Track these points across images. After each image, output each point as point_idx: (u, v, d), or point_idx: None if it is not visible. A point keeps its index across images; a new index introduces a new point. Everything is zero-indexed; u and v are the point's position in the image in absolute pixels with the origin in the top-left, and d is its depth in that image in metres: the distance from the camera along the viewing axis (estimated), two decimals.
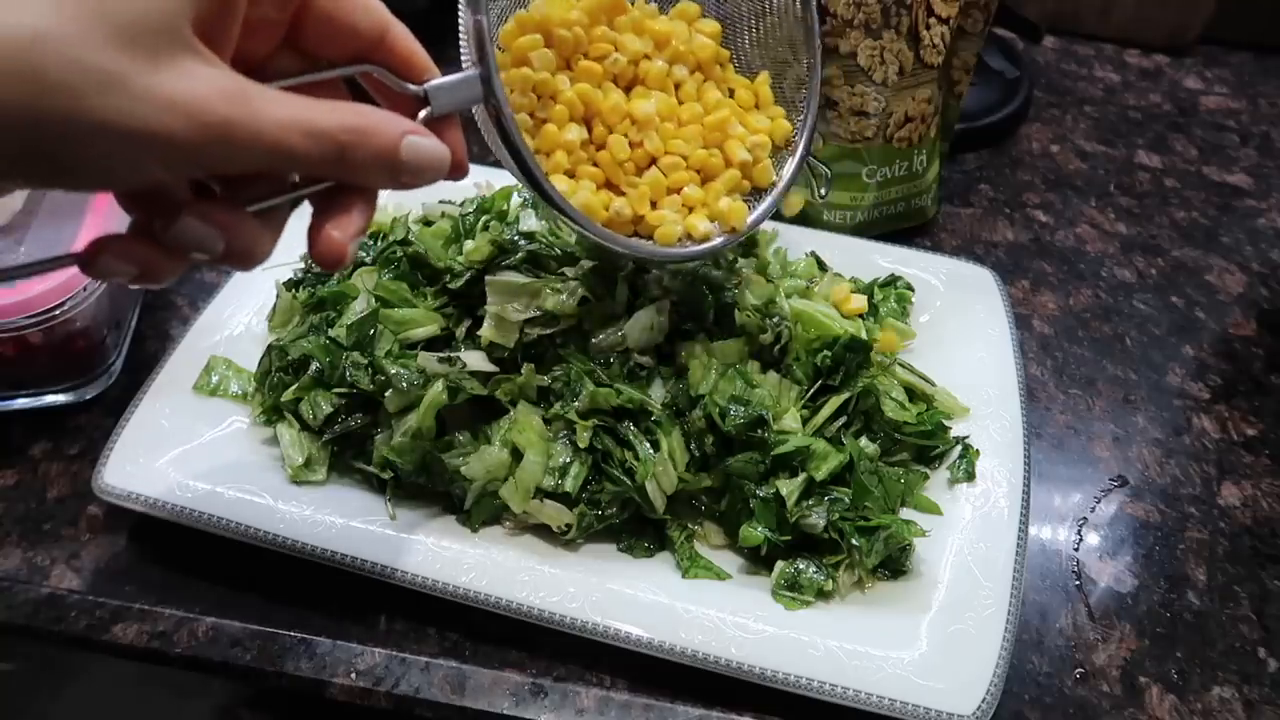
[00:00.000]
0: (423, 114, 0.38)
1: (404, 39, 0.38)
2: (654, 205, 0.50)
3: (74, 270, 0.53)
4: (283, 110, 0.31)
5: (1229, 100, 0.98)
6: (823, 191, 0.55)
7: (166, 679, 0.74)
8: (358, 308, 0.55)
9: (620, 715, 0.46)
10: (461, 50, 0.41)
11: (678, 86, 0.51)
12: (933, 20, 0.67)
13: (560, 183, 0.47)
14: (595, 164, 0.49)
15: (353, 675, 0.47)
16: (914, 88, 0.69)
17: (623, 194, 0.49)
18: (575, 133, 0.48)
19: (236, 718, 0.78)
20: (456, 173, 0.39)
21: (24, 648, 0.75)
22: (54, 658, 0.77)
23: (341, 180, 0.36)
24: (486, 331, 0.53)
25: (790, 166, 0.52)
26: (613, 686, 0.47)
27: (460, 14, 0.40)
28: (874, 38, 0.66)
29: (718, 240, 0.50)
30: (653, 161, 0.50)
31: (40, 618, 0.49)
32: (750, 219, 0.51)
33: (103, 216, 0.56)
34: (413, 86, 0.38)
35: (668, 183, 0.49)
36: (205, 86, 0.30)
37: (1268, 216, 0.83)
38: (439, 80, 0.39)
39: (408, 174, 0.35)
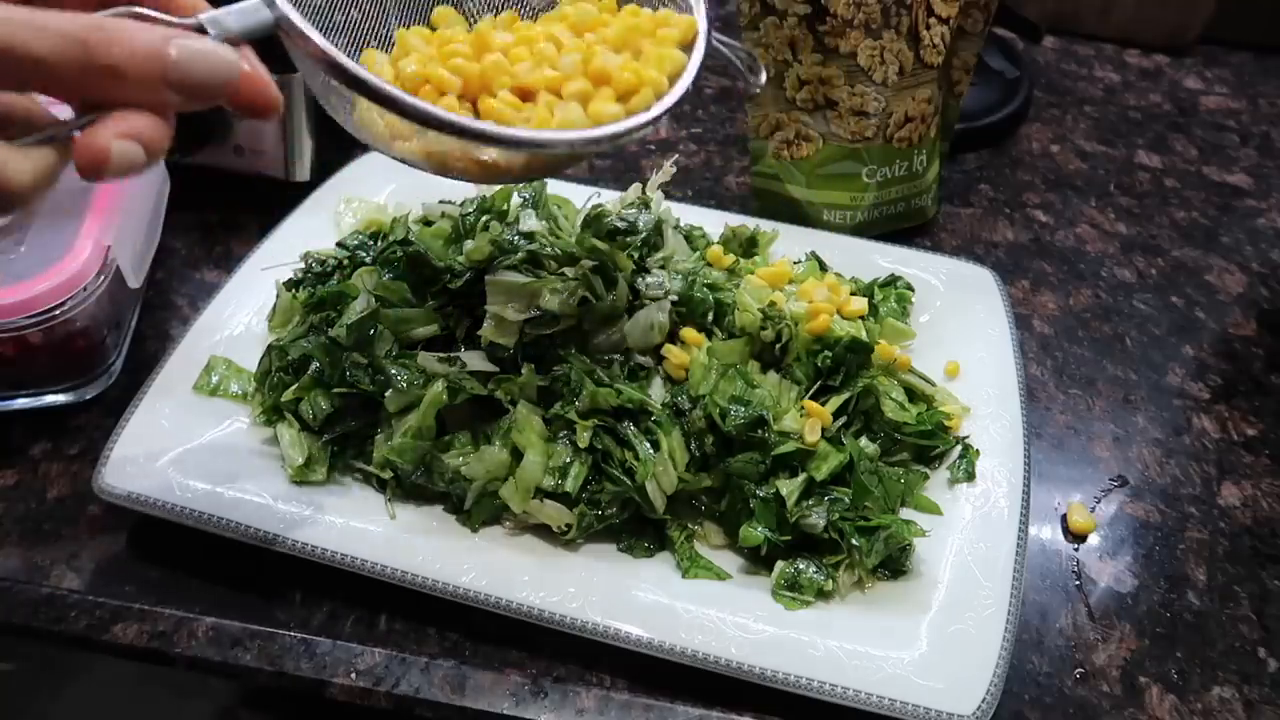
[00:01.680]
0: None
1: None
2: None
3: (74, 270, 0.53)
4: (18, 13, 0.29)
5: (1229, 100, 0.98)
6: (760, 80, 0.49)
7: (166, 679, 0.74)
8: (358, 308, 0.55)
9: (620, 715, 0.46)
10: None
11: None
12: (933, 20, 0.67)
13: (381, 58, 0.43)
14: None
15: (353, 675, 0.47)
16: (914, 88, 0.69)
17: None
18: (453, 101, 0.43)
19: (236, 718, 0.78)
20: (261, 101, 0.35)
21: (24, 648, 0.75)
22: (54, 658, 0.77)
23: (105, 97, 0.32)
24: (486, 331, 0.53)
25: (699, 46, 0.47)
26: (613, 686, 0.47)
27: None
28: (874, 38, 0.66)
29: (634, 120, 0.44)
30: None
31: (40, 618, 0.49)
32: (669, 97, 0.45)
33: (103, 216, 0.56)
34: (181, 20, 0.35)
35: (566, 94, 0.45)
36: None
37: (1268, 216, 0.83)
38: (214, 11, 0.35)
39: (186, 81, 0.32)
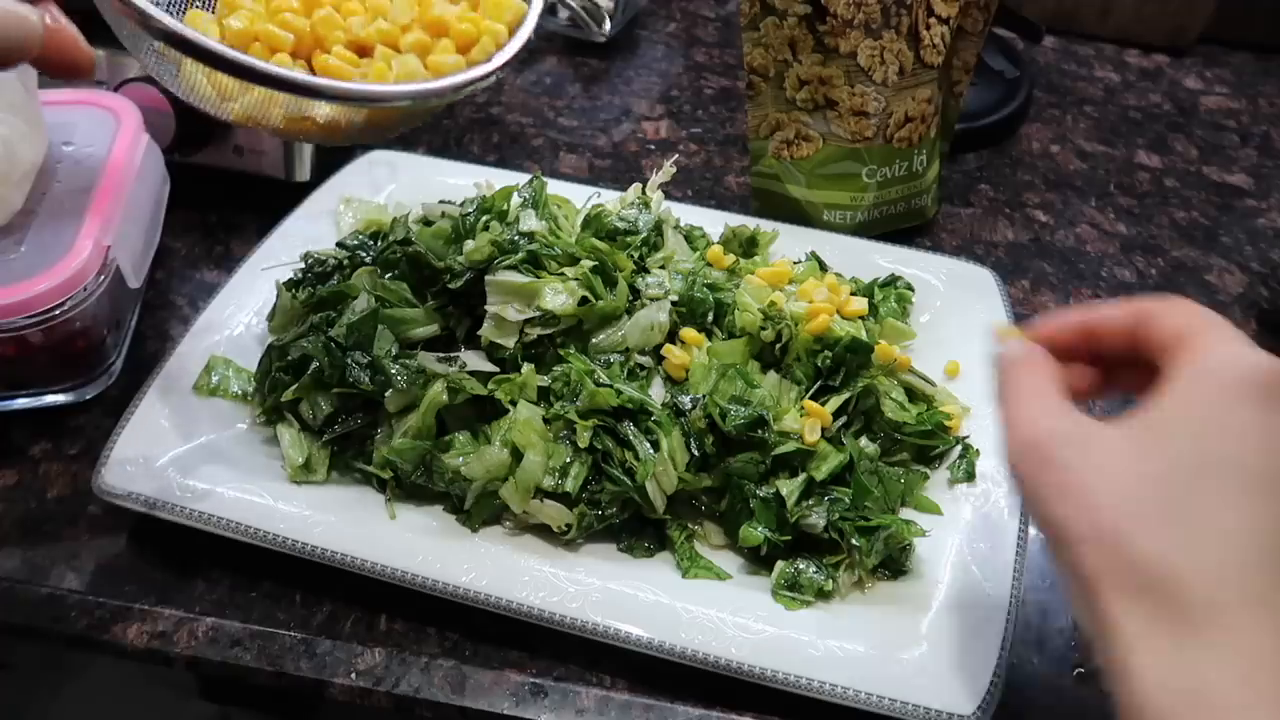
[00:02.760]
0: None
1: None
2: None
3: (74, 270, 0.53)
4: None
5: (1229, 100, 0.98)
6: (604, 28, 0.49)
7: (166, 679, 0.74)
8: (358, 308, 0.55)
9: (620, 715, 0.46)
10: None
11: None
12: (933, 20, 0.67)
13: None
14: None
15: (353, 675, 0.47)
16: (914, 88, 0.69)
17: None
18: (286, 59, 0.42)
19: (237, 718, 0.78)
20: (72, 61, 0.34)
21: (24, 648, 0.75)
22: (54, 658, 0.77)
23: None
24: (486, 331, 0.53)
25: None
26: (613, 686, 0.47)
27: None
28: (874, 38, 0.66)
29: (476, 70, 0.44)
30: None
31: (40, 618, 0.49)
32: (509, 43, 0.45)
33: (103, 216, 0.56)
34: None
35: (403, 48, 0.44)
36: None
37: (1268, 216, 0.83)
38: None
39: None
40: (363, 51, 0.44)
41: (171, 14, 0.39)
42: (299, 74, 0.40)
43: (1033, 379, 0.36)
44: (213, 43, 0.38)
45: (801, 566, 0.49)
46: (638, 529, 0.52)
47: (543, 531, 0.51)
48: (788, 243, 0.67)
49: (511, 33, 0.45)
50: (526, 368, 0.52)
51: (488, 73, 0.43)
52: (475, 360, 0.53)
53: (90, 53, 0.35)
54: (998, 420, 0.37)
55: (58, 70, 0.34)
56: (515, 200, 0.62)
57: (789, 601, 0.48)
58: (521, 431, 0.50)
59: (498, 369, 0.53)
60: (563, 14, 0.48)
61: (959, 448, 0.55)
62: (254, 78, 0.38)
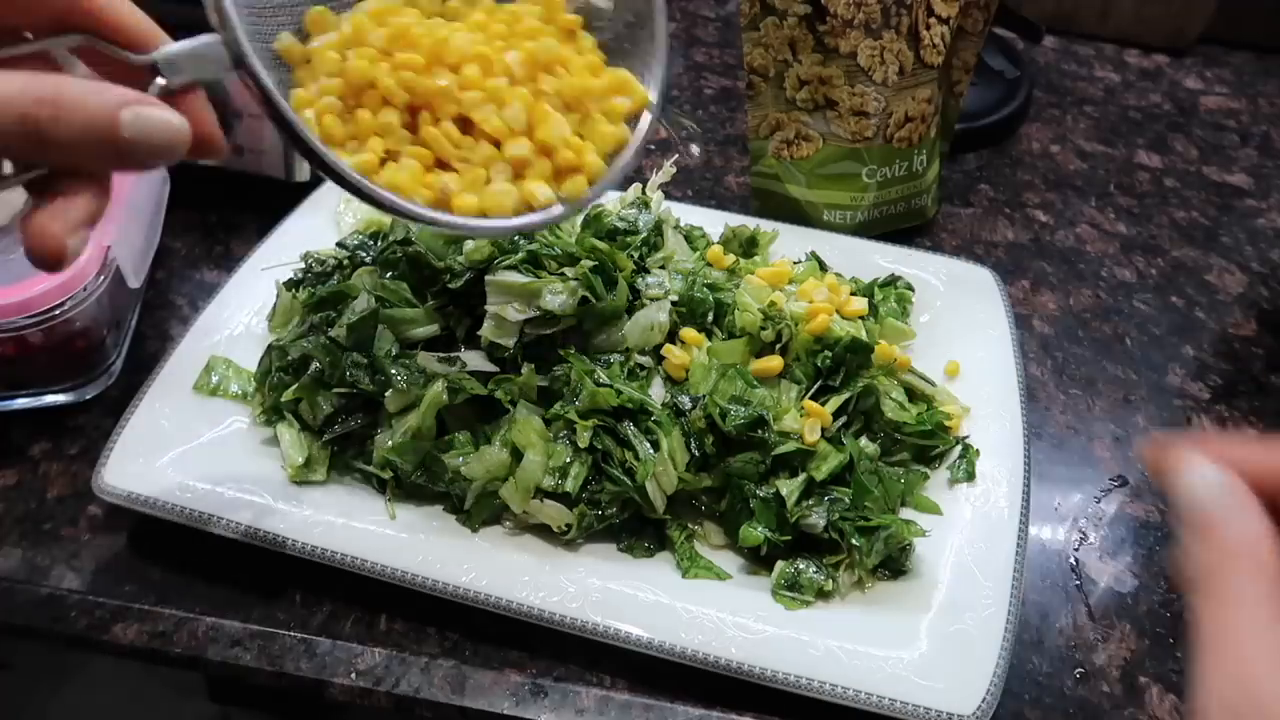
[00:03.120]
0: (155, 85, 0.34)
1: (115, 3, 0.33)
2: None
3: (74, 270, 0.53)
4: None
5: (1229, 100, 0.98)
6: (695, 150, 0.50)
7: (166, 679, 0.74)
8: (358, 308, 0.55)
9: (620, 715, 0.46)
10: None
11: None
12: (933, 20, 0.67)
13: (370, 164, 0.41)
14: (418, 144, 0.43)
15: (353, 675, 0.47)
16: (914, 88, 0.69)
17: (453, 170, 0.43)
18: (393, 116, 0.42)
19: (237, 718, 0.78)
20: (208, 150, 0.35)
21: (24, 648, 0.75)
22: (54, 658, 0.77)
23: (54, 164, 0.32)
24: (486, 331, 0.53)
25: (643, 126, 0.46)
26: (613, 686, 0.47)
27: None
28: (874, 38, 0.66)
29: (559, 209, 0.44)
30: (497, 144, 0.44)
31: (40, 618, 0.49)
32: (601, 183, 0.45)
33: (103, 219, 0.56)
34: (137, 56, 0.34)
35: (504, 156, 0.43)
36: None
37: (1268, 216, 0.83)
38: (171, 48, 0.34)
39: (136, 153, 0.31)
40: (468, 123, 0.43)
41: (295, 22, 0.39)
42: (402, 201, 0.41)
43: (1256, 589, 0.26)
44: (340, 163, 0.39)
45: (801, 566, 0.49)
46: (638, 529, 0.52)
47: (543, 531, 0.51)
48: (788, 243, 0.67)
49: (607, 161, 0.45)
50: (526, 368, 0.52)
51: (565, 215, 0.44)
52: (475, 360, 0.53)
53: (224, 146, 0.36)
54: (1196, 641, 0.27)
55: (191, 157, 0.35)
56: None
57: (789, 601, 0.48)
58: (521, 431, 0.50)
59: (498, 369, 0.53)
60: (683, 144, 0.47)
61: (959, 448, 0.55)
62: (365, 197, 0.40)
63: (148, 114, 0.31)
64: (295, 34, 0.41)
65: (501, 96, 0.44)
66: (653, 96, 0.46)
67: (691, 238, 0.65)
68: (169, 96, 0.34)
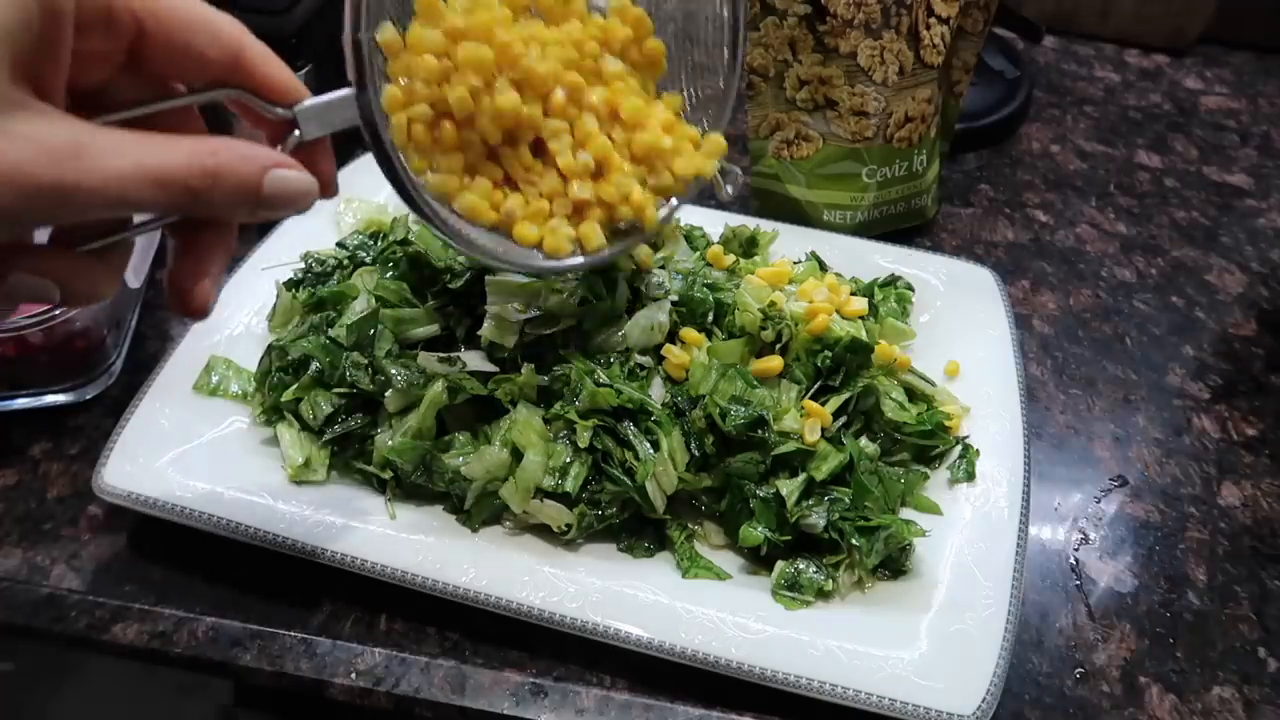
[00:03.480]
0: (292, 139, 0.37)
1: (263, 61, 0.36)
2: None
3: None
4: (123, 161, 0.30)
5: (1229, 100, 0.98)
6: (729, 190, 0.52)
7: (166, 679, 0.74)
8: (358, 308, 0.55)
9: (620, 715, 0.46)
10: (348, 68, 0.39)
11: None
12: (933, 20, 0.67)
13: (448, 180, 0.44)
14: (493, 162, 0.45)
15: (353, 675, 0.47)
16: (914, 88, 0.69)
17: (518, 190, 0.46)
18: (476, 136, 0.44)
19: (236, 718, 0.78)
20: (326, 194, 0.38)
21: (24, 648, 0.75)
22: (54, 658, 0.77)
23: (197, 217, 0.35)
24: (486, 331, 0.53)
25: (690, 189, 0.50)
26: (613, 686, 0.47)
27: (344, 29, 0.38)
28: (874, 38, 0.66)
29: (613, 248, 0.48)
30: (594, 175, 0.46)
31: (40, 618, 0.49)
32: (649, 232, 0.49)
33: None
34: (280, 110, 0.37)
35: (569, 192, 0.46)
36: (28, 149, 0.28)
37: (1268, 216, 0.83)
38: (309, 102, 0.37)
39: (271, 209, 0.34)
40: (540, 144, 0.46)
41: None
42: (520, 254, 0.45)
43: None
44: (444, 220, 0.43)
45: (801, 566, 0.49)
46: (638, 529, 0.52)
47: (543, 531, 0.51)
48: (788, 243, 0.67)
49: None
50: (526, 368, 0.52)
51: (622, 253, 0.48)
52: (475, 360, 0.53)
53: (336, 183, 0.40)
54: None
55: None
56: None
57: (789, 601, 0.48)
58: (521, 431, 0.50)
59: (498, 369, 0.53)
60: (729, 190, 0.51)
61: (959, 448, 0.55)
62: (485, 254, 0.45)
63: (285, 176, 0.34)
64: (395, 21, 0.42)
65: (585, 136, 0.46)
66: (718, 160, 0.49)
67: (691, 238, 0.65)
68: (301, 146, 0.37)
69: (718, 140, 0.49)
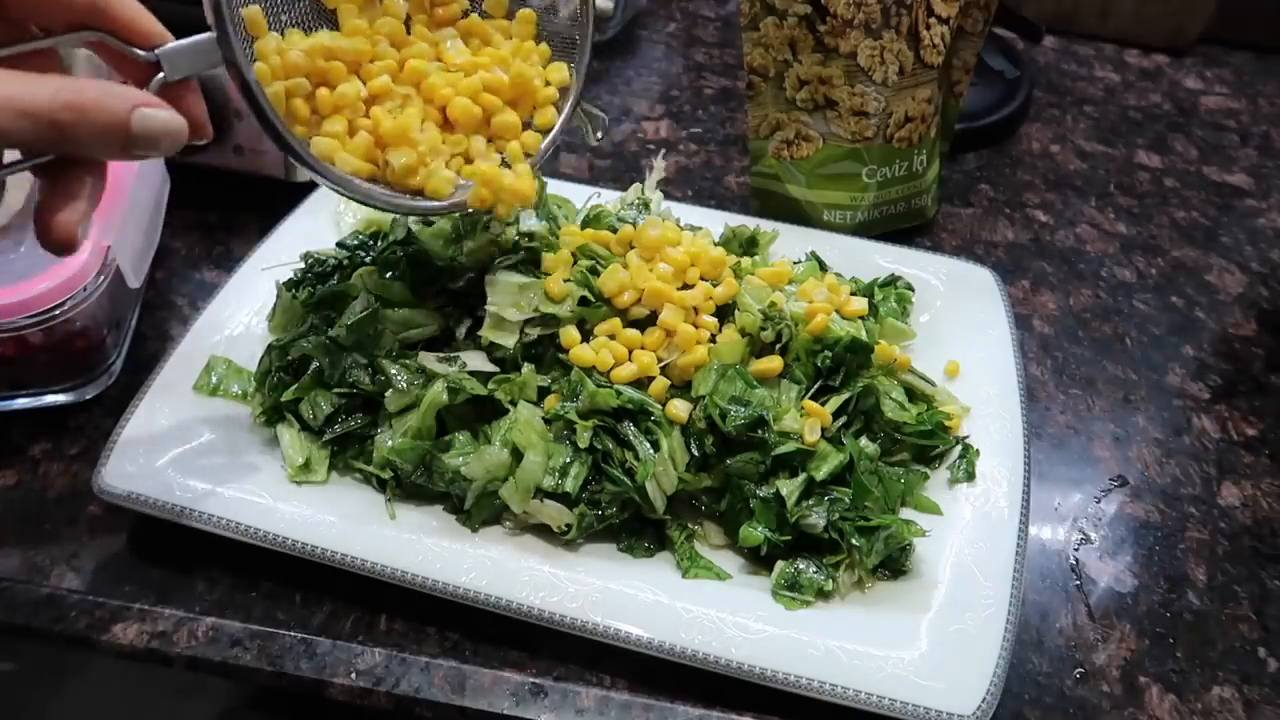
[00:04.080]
0: (157, 80, 0.38)
1: (123, 4, 0.38)
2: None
3: (74, 270, 0.53)
4: None
5: (1229, 100, 0.98)
6: (598, 135, 0.56)
7: (166, 679, 0.74)
8: (358, 308, 0.55)
9: (620, 715, 0.46)
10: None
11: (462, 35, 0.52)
12: (933, 20, 0.67)
13: (328, 143, 0.47)
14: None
15: (353, 675, 0.47)
16: (914, 88, 0.69)
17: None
18: (353, 88, 0.47)
19: (237, 718, 0.78)
20: (198, 136, 0.39)
21: (24, 648, 0.75)
22: (54, 658, 0.77)
23: (67, 156, 0.36)
24: (486, 331, 0.53)
25: (566, 110, 0.54)
26: (613, 686, 0.47)
27: None
28: (874, 38, 0.66)
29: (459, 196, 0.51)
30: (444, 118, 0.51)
31: (40, 618, 0.49)
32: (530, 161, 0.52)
33: (103, 216, 0.56)
34: (142, 52, 0.38)
35: (451, 138, 0.50)
36: None
37: (1268, 216, 0.83)
38: (173, 45, 0.39)
39: (141, 146, 0.35)
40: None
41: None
42: (401, 199, 0.49)
43: None
44: (314, 161, 0.46)
45: (801, 566, 0.49)
46: (638, 529, 0.52)
47: (543, 531, 0.51)
48: (788, 243, 0.67)
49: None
50: (526, 368, 0.52)
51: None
52: (475, 360, 0.53)
53: (209, 126, 0.41)
54: None
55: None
56: None
57: (789, 601, 0.48)
58: (521, 431, 0.50)
59: (498, 369, 0.53)
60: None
61: (959, 448, 0.55)
62: (367, 197, 0.48)
63: (153, 114, 0.35)
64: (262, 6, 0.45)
65: (442, 97, 0.50)
66: (576, 86, 0.54)
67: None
68: (168, 88, 0.39)
69: (560, 70, 0.53)
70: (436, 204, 0.50)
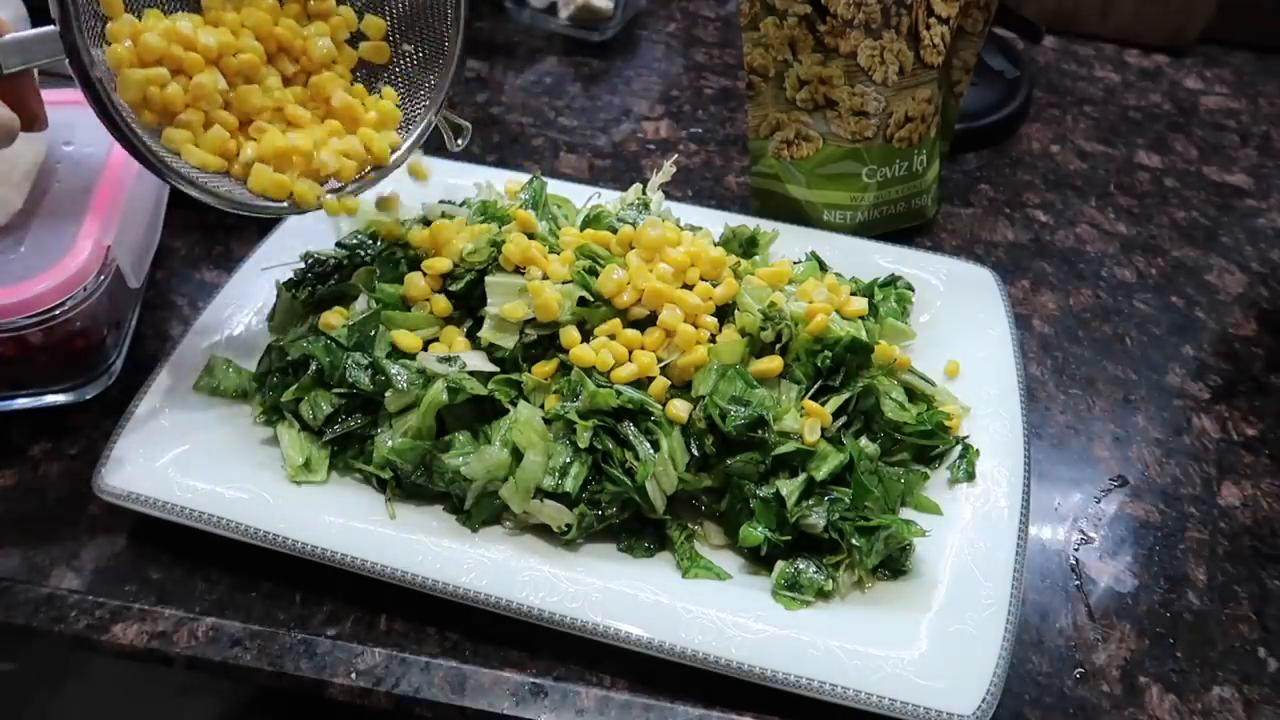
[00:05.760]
0: None
1: None
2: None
3: (74, 270, 0.53)
4: None
5: (1229, 100, 0.98)
6: (459, 142, 0.59)
7: (166, 679, 0.74)
8: (358, 308, 0.55)
9: (620, 715, 0.46)
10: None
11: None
12: (933, 20, 0.67)
13: (180, 134, 0.48)
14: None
15: (353, 675, 0.47)
16: (914, 88, 0.69)
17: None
18: (210, 79, 0.49)
19: (237, 718, 0.78)
20: (31, 128, 0.39)
21: (24, 648, 0.75)
22: (54, 658, 0.77)
23: None
24: (486, 332, 0.53)
25: (419, 128, 0.58)
26: (613, 686, 0.47)
27: None
28: (874, 38, 0.66)
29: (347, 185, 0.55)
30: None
31: (40, 618, 0.49)
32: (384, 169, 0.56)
33: (103, 216, 0.56)
34: None
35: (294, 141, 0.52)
36: None
37: (1268, 216, 0.83)
38: (9, 37, 0.39)
39: None
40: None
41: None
42: (249, 198, 0.52)
43: None
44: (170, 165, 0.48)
45: (801, 566, 0.49)
46: (638, 529, 0.52)
47: (543, 531, 0.51)
48: (788, 243, 0.67)
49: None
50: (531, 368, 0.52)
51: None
52: (475, 360, 0.53)
53: (45, 117, 0.42)
54: None
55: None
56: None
57: (789, 601, 0.48)
58: (521, 431, 0.50)
59: (498, 369, 0.53)
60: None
61: (959, 448, 0.55)
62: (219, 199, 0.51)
63: None
64: None
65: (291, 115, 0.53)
66: (435, 108, 0.58)
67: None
68: (3, 80, 0.39)
69: (388, 108, 0.57)
70: (278, 204, 0.52)
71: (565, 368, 0.53)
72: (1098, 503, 0.58)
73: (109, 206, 0.57)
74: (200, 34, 0.49)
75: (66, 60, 0.40)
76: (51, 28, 0.40)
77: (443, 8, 0.57)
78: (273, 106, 0.52)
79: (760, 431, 0.51)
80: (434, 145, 0.61)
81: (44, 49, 0.40)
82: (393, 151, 0.56)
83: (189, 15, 0.50)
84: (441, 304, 0.55)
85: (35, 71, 0.40)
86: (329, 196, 0.53)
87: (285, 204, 0.52)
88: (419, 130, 0.58)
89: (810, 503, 0.50)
